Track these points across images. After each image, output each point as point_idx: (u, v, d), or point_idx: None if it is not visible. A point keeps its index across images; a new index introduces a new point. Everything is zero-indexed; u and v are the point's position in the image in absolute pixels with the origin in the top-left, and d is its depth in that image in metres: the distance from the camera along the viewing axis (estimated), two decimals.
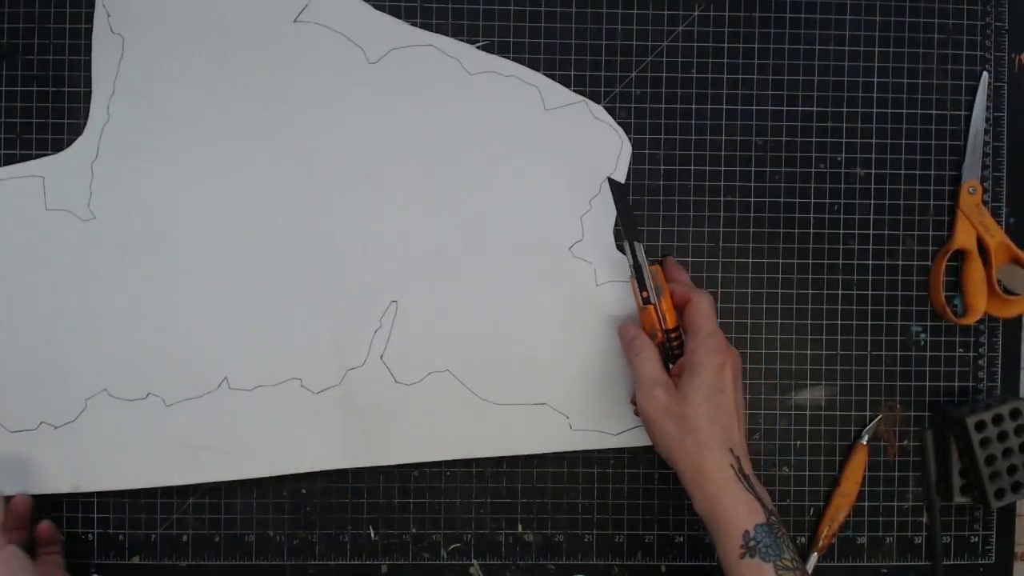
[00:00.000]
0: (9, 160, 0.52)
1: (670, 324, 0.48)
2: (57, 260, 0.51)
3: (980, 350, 0.55)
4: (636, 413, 0.52)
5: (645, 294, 0.48)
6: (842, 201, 0.54)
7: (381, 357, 0.51)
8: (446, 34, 0.52)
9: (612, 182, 0.51)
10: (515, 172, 0.52)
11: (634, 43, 0.53)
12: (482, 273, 0.52)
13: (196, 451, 0.51)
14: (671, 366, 0.48)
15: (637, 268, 0.49)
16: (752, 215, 0.54)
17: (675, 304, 0.49)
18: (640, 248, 0.49)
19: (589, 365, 0.52)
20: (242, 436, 0.51)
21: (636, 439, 0.53)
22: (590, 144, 0.53)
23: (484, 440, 0.52)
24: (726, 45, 0.54)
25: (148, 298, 0.51)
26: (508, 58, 0.52)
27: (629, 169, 0.53)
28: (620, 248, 0.52)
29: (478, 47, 0.52)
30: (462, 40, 0.52)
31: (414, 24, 0.52)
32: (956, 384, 0.55)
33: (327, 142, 0.51)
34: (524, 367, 0.52)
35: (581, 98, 0.52)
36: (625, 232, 0.49)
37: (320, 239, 0.51)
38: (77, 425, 0.51)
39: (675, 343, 0.48)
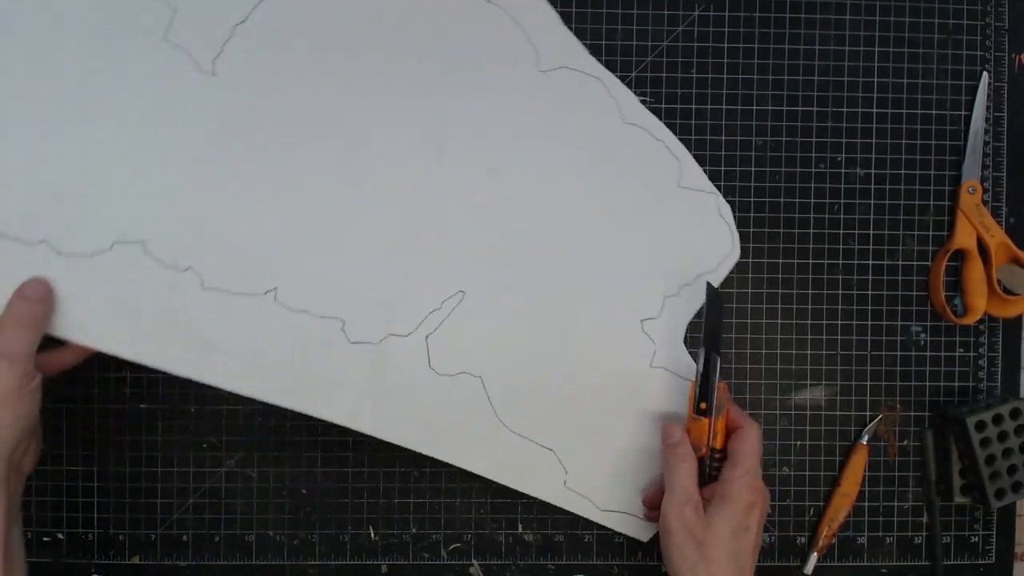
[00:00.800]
0: None
1: (719, 444, 0.47)
2: (146, 95, 0.47)
3: (980, 350, 0.55)
4: (646, 515, 0.52)
5: (704, 405, 0.47)
6: (842, 201, 0.54)
7: (427, 337, 0.51)
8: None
9: (711, 288, 0.49)
10: (628, 231, 0.52)
11: (634, 43, 0.53)
12: (552, 304, 0.51)
13: (210, 349, 0.48)
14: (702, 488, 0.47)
15: (705, 377, 0.48)
16: (752, 215, 0.54)
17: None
18: (716, 361, 0.48)
19: (608, 436, 0.52)
20: (263, 353, 0.49)
21: (617, 523, 0.52)
22: (705, 235, 0.52)
23: (483, 459, 0.51)
24: (726, 45, 0.54)
25: (228, 179, 0.48)
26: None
27: (731, 277, 0.54)
28: (687, 346, 0.52)
29: (639, 99, 0.52)
30: (625, 81, 0.52)
31: None
32: (956, 384, 0.55)
33: (466, 127, 0.51)
34: (550, 407, 0.51)
35: (715, 189, 0.53)
36: (706, 340, 0.48)
37: (423, 208, 0.50)
38: (89, 262, 0.46)
39: (716, 464, 0.47)
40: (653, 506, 0.51)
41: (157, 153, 0.48)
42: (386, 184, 0.50)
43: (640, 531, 0.53)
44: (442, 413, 0.51)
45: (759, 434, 0.47)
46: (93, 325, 0.47)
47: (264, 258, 0.49)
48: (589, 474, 0.52)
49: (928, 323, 0.54)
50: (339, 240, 0.50)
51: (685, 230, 0.52)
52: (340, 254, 0.50)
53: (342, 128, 0.50)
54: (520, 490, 0.52)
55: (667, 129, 0.52)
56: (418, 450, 0.51)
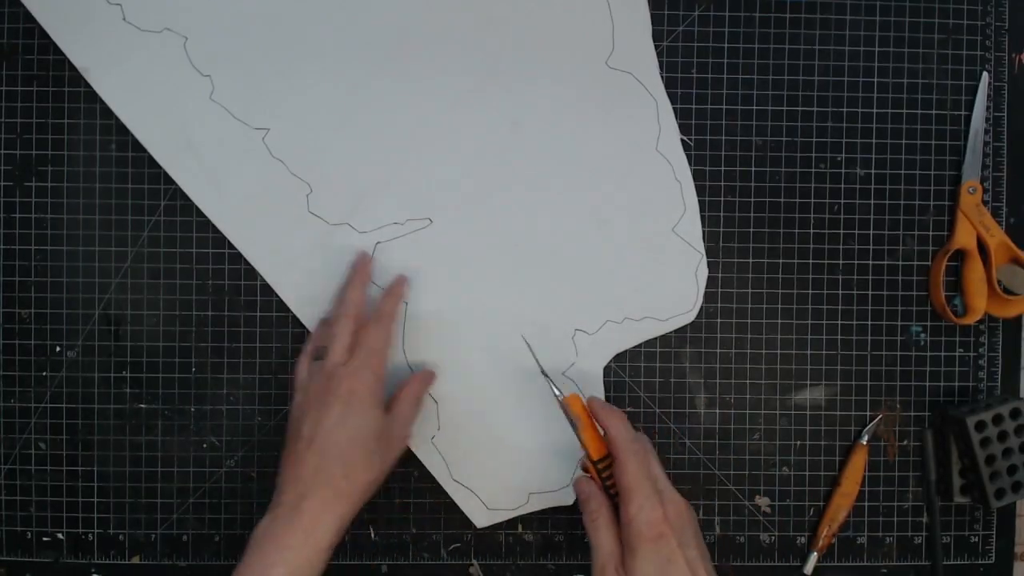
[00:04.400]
0: (9, 161, 0.52)
1: (596, 454, 0.45)
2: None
3: (980, 350, 0.55)
4: None
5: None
6: (842, 201, 0.54)
7: (377, 243, 0.52)
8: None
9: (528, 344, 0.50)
10: (605, 249, 0.53)
11: None
12: (504, 280, 0.53)
13: (198, 157, 0.51)
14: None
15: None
16: (752, 215, 0.54)
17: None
18: (550, 381, 0.48)
19: (492, 418, 0.53)
20: (233, 184, 0.52)
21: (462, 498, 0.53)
22: (673, 287, 0.53)
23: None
24: (726, 45, 0.54)
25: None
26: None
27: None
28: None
29: (682, 138, 0.53)
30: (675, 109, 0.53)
31: None
32: (956, 384, 0.55)
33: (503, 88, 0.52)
34: (454, 367, 0.53)
35: (703, 250, 0.53)
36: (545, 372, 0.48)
37: (441, 133, 0.52)
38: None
39: (605, 475, 0.45)
40: None
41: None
42: (429, 106, 0.52)
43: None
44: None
45: (641, 453, 0.44)
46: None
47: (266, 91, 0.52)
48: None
49: (928, 323, 0.54)
50: (353, 120, 0.52)
51: (657, 274, 0.53)
52: (346, 133, 0.52)
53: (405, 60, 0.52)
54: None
55: (690, 173, 0.53)
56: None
